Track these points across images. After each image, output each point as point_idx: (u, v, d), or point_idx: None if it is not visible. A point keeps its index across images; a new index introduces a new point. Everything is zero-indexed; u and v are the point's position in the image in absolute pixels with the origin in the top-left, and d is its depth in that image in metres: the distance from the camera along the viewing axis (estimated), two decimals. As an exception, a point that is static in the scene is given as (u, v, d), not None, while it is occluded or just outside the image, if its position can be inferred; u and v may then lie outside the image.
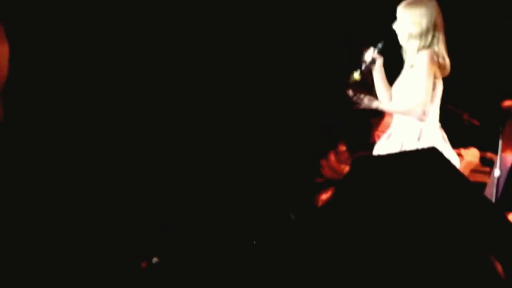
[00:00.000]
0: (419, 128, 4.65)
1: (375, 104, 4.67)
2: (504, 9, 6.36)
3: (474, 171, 5.37)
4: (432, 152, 3.77)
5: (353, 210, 3.57)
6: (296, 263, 3.63)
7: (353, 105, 4.66)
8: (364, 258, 3.50)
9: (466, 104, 5.54)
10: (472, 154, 5.38)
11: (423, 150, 3.87)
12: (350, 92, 4.63)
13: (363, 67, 4.68)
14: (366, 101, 4.62)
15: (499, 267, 3.45)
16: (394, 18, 4.75)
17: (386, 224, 3.54)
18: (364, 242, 3.52)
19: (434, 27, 4.65)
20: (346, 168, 5.74)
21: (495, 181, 4.92)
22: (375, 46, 4.73)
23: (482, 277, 3.43)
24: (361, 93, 4.62)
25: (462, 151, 5.26)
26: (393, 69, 4.81)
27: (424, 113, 4.62)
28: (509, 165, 4.98)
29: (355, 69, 4.66)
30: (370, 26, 5.45)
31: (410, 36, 4.66)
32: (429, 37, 4.64)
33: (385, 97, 4.79)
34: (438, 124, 4.75)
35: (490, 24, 6.42)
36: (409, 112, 4.63)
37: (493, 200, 4.80)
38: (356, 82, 4.68)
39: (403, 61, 4.79)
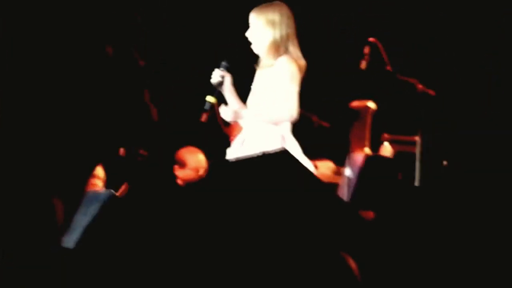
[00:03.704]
0: (280, 134, 4.66)
1: (243, 114, 4.65)
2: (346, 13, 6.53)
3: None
4: (285, 155, 3.81)
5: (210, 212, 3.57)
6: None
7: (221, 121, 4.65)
8: (222, 262, 3.50)
9: (314, 106, 5.62)
10: (326, 166, 5.46)
11: (275, 153, 3.90)
12: (207, 116, 4.62)
13: (215, 90, 4.67)
14: (232, 114, 4.61)
15: (353, 265, 3.51)
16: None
17: (242, 226, 3.55)
18: (221, 245, 3.53)
19: (289, 31, 4.69)
20: (200, 174, 5.72)
21: (347, 180, 5.00)
22: (219, 67, 4.72)
23: (337, 275, 3.48)
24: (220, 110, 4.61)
25: (318, 163, 5.33)
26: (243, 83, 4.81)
27: (293, 117, 4.64)
28: (359, 164, 5.08)
29: (208, 94, 4.64)
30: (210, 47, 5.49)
31: (267, 42, 4.67)
32: (286, 42, 4.66)
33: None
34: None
35: (333, 27, 6.56)
36: (280, 119, 4.62)
37: (346, 199, 4.88)
38: (213, 105, 4.65)
39: (251, 73, 4.80)
